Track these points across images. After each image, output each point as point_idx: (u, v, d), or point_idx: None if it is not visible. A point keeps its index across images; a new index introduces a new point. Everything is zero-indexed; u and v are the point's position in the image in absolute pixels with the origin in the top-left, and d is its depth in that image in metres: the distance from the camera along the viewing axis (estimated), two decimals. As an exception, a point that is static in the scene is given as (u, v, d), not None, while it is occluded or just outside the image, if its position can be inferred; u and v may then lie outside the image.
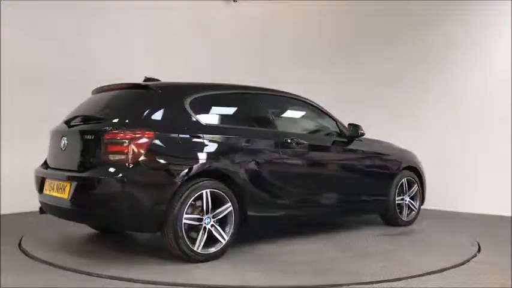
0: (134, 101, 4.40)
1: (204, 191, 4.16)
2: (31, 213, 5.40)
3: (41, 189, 4.62)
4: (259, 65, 8.67)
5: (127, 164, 3.91)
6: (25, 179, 5.07)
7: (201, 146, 4.29)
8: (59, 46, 7.06)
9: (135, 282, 3.63)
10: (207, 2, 8.57)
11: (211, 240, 4.23)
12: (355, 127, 5.58)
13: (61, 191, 4.23)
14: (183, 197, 4.05)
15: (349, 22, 8.68)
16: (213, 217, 4.24)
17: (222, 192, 4.28)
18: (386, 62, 8.21)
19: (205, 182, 4.20)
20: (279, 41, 8.94)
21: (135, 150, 3.93)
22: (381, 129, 6.93)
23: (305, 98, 5.57)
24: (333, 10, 8.70)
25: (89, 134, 4.21)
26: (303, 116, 5.72)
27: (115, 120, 4.14)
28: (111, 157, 3.96)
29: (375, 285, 3.68)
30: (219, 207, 4.28)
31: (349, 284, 3.67)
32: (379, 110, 8.09)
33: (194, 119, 4.38)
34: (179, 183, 4.03)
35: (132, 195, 3.92)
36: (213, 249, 4.22)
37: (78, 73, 7.04)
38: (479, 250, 4.89)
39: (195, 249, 4.10)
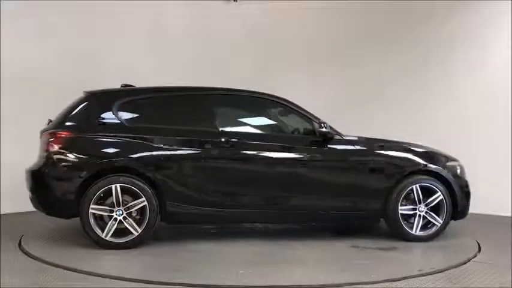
0: (74, 105, 4.97)
1: (113, 186, 4.57)
2: (31, 213, 5.39)
3: None
4: (259, 65, 8.64)
5: (49, 159, 4.71)
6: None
7: (115, 145, 4.78)
8: (58, 46, 7.04)
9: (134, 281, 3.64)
10: (207, 2, 8.55)
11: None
12: (321, 125, 5.04)
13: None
14: (90, 190, 4.58)
15: (350, 22, 8.64)
16: (127, 210, 4.60)
17: (135, 187, 4.64)
18: (388, 62, 8.17)
19: (115, 177, 4.64)
20: (280, 41, 8.91)
21: (54, 147, 4.71)
22: (381, 129, 6.90)
23: (273, 96, 5.26)
24: (333, 10, 8.67)
25: (40, 134, 5.00)
26: (262, 115, 5.55)
27: (52, 122, 4.94)
28: (45, 153, 4.75)
29: (375, 285, 3.69)
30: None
31: (349, 284, 3.68)
32: (380, 111, 8.07)
33: (118, 121, 4.89)
34: (84, 177, 4.60)
35: (49, 186, 4.69)
36: (123, 240, 4.61)
37: (79, 73, 7.02)
38: (479, 250, 4.89)
39: (102, 236, 4.55)
